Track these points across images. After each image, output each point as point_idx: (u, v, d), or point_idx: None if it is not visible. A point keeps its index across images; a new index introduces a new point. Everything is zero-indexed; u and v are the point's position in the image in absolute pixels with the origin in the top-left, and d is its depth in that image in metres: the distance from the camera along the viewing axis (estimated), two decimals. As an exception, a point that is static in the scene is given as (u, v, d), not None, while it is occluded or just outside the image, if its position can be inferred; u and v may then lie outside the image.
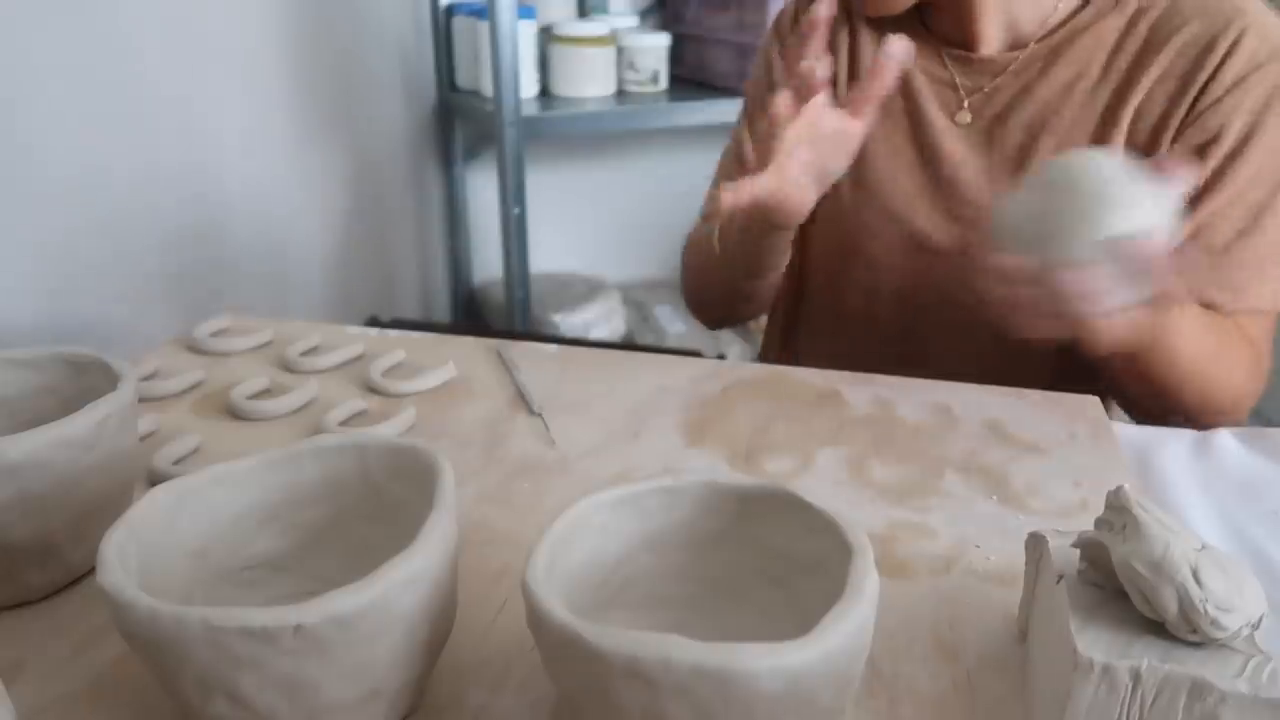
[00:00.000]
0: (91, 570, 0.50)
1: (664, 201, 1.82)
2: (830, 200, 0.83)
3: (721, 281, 0.87)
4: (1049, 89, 0.75)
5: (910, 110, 0.81)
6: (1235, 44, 0.69)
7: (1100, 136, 0.73)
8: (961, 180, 0.78)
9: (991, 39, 0.77)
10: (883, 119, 0.80)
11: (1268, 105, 0.68)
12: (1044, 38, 0.75)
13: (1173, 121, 0.71)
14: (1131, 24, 0.73)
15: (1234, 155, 0.69)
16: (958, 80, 0.79)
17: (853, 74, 0.84)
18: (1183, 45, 0.70)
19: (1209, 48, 0.69)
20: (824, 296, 0.90)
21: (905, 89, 0.81)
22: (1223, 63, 0.69)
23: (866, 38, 0.84)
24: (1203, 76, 0.69)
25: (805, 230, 0.87)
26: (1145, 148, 0.72)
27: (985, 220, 0.67)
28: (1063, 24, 0.75)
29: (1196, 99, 0.70)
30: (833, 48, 0.84)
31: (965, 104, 0.78)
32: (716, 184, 0.89)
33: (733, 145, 0.94)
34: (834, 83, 0.83)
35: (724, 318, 0.95)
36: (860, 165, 0.81)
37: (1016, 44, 0.77)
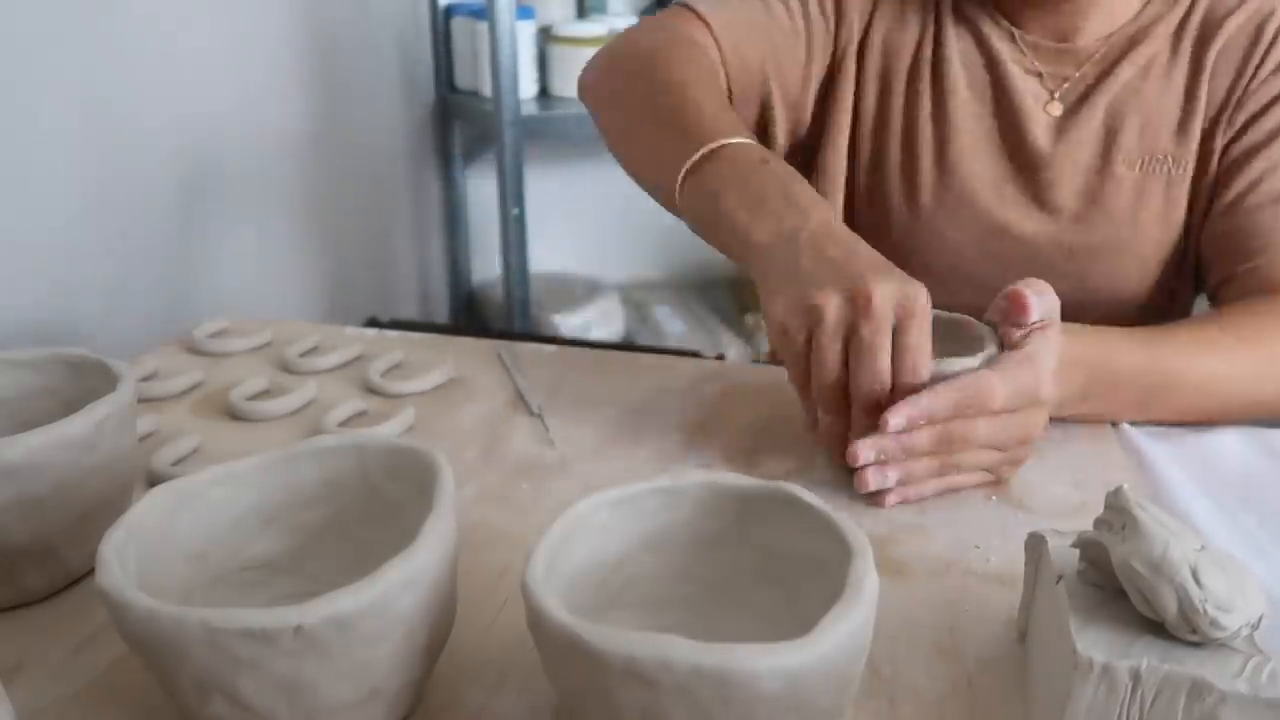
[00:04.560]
0: (91, 571, 0.50)
1: (663, 202, 1.82)
2: (903, 195, 0.83)
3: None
4: (1128, 71, 0.79)
5: (999, 99, 0.82)
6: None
7: (1186, 113, 0.78)
8: (1052, 168, 0.80)
9: (1091, 30, 0.80)
10: (971, 108, 0.82)
11: None
12: (1121, 28, 0.80)
13: (1234, 97, 0.76)
14: (1188, 13, 0.79)
15: None
16: (1043, 70, 0.81)
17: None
18: (1236, 27, 0.77)
19: (1259, 30, 0.77)
20: None
21: (995, 78, 0.81)
22: (1272, 44, 0.76)
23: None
24: (1257, 55, 0.76)
25: (853, 221, 0.85)
26: (1215, 121, 0.77)
27: (1076, 207, 0.79)
28: (1134, 18, 0.80)
29: (1252, 76, 0.76)
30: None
31: (1056, 94, 0.81)
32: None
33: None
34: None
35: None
36: (942, 156, 0.82)
37: (1101, 35, 0.81)
